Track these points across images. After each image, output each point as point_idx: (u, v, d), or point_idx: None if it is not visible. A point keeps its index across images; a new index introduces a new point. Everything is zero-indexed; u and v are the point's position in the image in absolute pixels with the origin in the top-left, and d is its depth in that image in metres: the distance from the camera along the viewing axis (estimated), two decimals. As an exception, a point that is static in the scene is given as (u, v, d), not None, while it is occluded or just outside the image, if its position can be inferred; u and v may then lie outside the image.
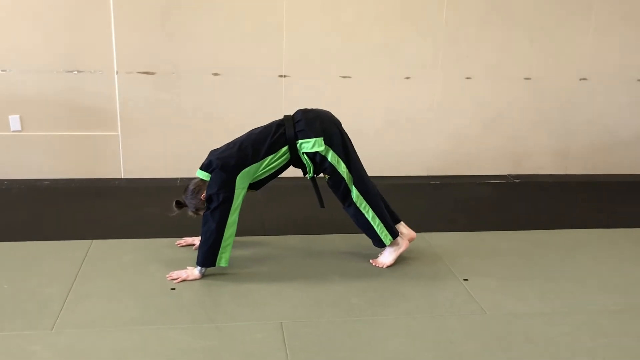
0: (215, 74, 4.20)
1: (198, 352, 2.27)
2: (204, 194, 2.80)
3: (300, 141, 2.81)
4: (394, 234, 2.99)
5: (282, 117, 2.93)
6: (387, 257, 3.03)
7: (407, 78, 4.42)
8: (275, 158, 2.83)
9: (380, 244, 3.01)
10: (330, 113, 2.96)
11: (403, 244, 3.05)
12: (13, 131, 4.10)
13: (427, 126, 4.56)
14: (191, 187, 2.85)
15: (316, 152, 2.80)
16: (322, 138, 2.79)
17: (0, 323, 2.42)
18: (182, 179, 4.29)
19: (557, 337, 2.46)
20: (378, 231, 2.95)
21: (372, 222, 2.94)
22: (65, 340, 2.32)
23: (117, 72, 4.09)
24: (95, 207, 3.77)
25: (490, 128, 4.65)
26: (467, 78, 4.49)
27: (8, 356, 2.21)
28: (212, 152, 2.90)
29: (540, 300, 2.77)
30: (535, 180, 4.67)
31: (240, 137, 2.91)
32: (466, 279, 2.95)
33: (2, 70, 3.98)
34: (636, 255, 3.29)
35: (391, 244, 3.01)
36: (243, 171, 2.77)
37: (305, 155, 2.83)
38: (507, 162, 4.76)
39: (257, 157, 2.80)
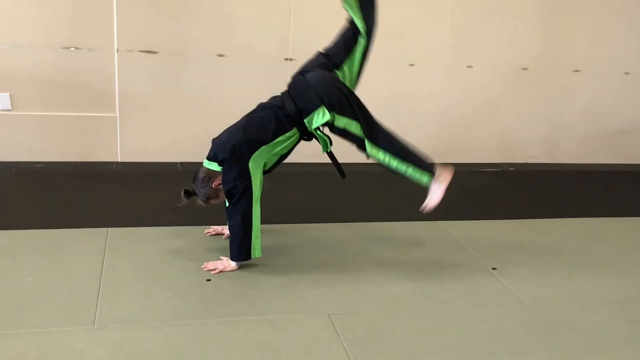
0: (220, 55, 4.05)
1: (256, 348, 2.20)
2: (216, 182, 2.69)
3: (306, 119, 2.67)
4: (430, 169, 2.74)
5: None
6: (434, 194, 2.77)
7: (411, 65, 4.41)
8: (287, 137, 2.69)
9: (424, 183, 2.77)
10: (322, 71, 2.73)
11: (445, 174, 2.76)
12: (2, 110, 3.82)
13: (427, 113, 4.58)
14: (201, 175, 2.72)
15: (326, 122, 2.66)
16: (323, 106, 2.64)
17: (37, 318, 2.26)
18: (182, 163, 4.15)
19: (597, 326, 2.53)
20: (412, 175, 2.74)
21: (400, 170, 2.73)
22: (112, 337, 2.19)
23: (117, 50, 3.87)
24: (100, 192, 3.59)
25: (486, 117, 4.71)
26: (469, 67, 4.52)
27: (56, 354, 2.07)
28: (215, 141, 2.74)
29: (571, 289, 2.84)
30: (528, 169, 4.78)
31: (240, 121, 2.75)
32: (495, 268, 2.99)
33: (-8, 45, 3.70)
34: (643, 243, 3.43)
35: (433, 180, 2.76)
36: (254, 155, 2.63)
37: (317, 131, 2.71)
38: (501, 150, 4.85)
39: (266, 138, 2.65)
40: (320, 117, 2.65)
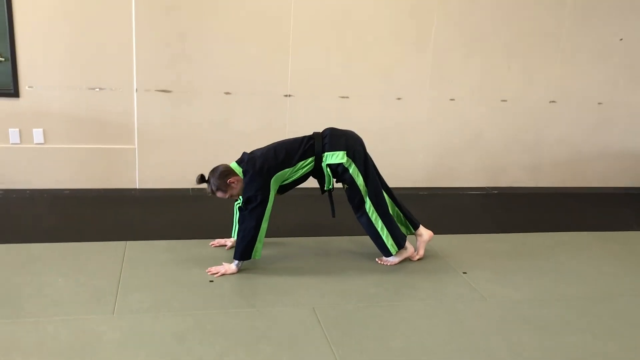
0: (227, 93, 4.57)
1: (248, 331, 2.61)
2: (231, 179, 3.13)
3: (326, 154, 3.20)
4: (400, 244, 3.38)
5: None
6: (394, 259, 3.42)
7: (399, 99, 4.89)
8: (305, 164, 3.20)
9: (386, 253, 3.38)
10: (356, 133, 3.35)
11: (409, 250, 3.45)
12: (37, 143, 4.37)
13: (414, 143, 5.03)
14: (221, 168, 3.17)
15: (339, 164, 3.19)
16: (345, 152, 3.18)
17: (66, 309, 2.71)
18: (193, 189, 4.62)
19: (550, 318, 2.89)
20: (385, 241, 3.33)
21: (380, 232, 3.31)
22: (127, 323, 2.63)
23: (136, 90, 4.41)
24: (120, 213, 4.06)
25: (470, 145, 5.14)
26: (451, 99, 4.98)
27: (80, 335, 2.50)
28: (247, 154, 3.23)
29: (531, 289, 3.21)
30: (511, 192, 5.17)
31: (273, 144, 3.27)
32: (465, 272, 3.37)
33: (28, 87, 4.26)
34: (603, 253, 3.79)
35: (398, 252, 3.40)
36: (277, 174, 3.14)
37: (327, 168, 3.21)
38: (486, 175, 5.26)
39: (290, 162, 3.17)
40: (337, 157, 3.19)
